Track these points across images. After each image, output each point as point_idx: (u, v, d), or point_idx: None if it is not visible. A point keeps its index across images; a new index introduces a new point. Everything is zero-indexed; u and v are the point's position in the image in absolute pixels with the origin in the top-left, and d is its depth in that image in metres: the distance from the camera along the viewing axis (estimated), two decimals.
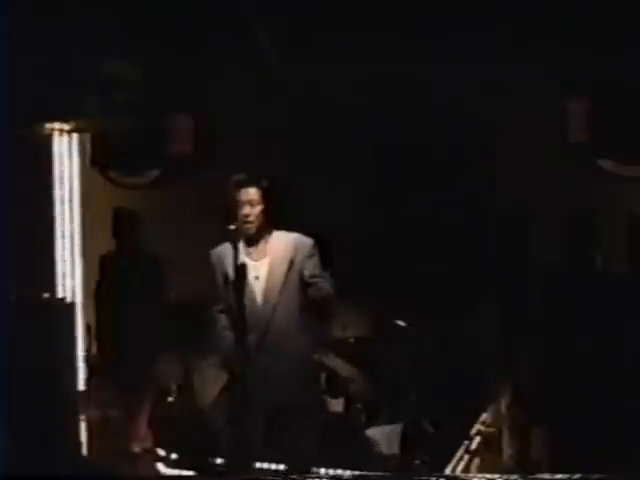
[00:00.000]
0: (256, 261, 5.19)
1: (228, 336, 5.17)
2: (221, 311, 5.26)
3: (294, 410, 5.16)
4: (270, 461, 5.66)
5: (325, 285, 5.21)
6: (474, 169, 7.64)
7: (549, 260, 6.72)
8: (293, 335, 5.19)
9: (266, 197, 5.18)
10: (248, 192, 5.16)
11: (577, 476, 4.73)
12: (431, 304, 7.11)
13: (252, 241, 5.17)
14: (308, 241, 5.27)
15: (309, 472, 5.39)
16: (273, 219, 5.22)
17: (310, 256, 5.22)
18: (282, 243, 5.21)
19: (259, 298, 5.14)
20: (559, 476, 4.85)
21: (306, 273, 5.18)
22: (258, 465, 5.42)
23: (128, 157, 8.16)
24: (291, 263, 5.16)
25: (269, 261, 5.19)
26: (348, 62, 7.35)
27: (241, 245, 5.11)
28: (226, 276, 5.19)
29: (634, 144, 7.15)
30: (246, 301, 5.05)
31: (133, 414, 6.95)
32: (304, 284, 5.19)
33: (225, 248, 5.26)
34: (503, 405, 6.53)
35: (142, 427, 6.96)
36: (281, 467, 5.59)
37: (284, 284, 5.16)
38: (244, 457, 5.23)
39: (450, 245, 7.26)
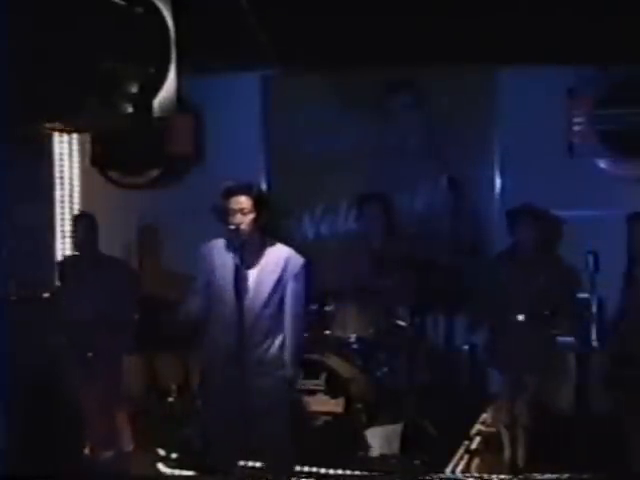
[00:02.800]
0: (247, 269, 5.18)
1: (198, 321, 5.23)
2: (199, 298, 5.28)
3: (271, 413, 5.18)
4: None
5: (298, 315, 5.27)
6: (474, 168, 7.65)
7: (548, 259, 6.71)
8: (267, 345, 5.21)
9: (258, 205, 5.15)
10: (239, 200, 5.13)
11: (577, 476, 4.73)
12: (431, 304, 7.12)
13: (245, 248, 5.15)
14: (298, 261, 5.27)
15: (291, 472, 5.41)
16: (266, 228, 5.21)
17: (296, 275, 5.23)
18: (274, 257, 5.22)
19: (244, 306, 5.12)
20: (558, 476, 4.85)
21: (288, 293, 5.21)
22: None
23: (128, 157, 8.16)
24: (278, 279, 5.19)
25: (258, 272, 5.18)
26: None
27: (240, 253, 5.10)
28: (212, 273, 5.19)
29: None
30: (231, 306, 5.06)
31: (133, 414, 6.94)
32: (282, 302, 5.22)
33: (217, 245, 5.25)
34: (505, 405, 6.53)
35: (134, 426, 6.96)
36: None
37: (269, 297, 5.17)
38: (220, 458, 5.26)
39: (450, 244, 7.26)
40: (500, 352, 6.42)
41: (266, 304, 5.18)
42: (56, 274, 7.35)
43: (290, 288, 5.23)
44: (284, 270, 5.20)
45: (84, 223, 6.85)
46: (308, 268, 5.33)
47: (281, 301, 5.23)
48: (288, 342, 5.25)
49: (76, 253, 7.03)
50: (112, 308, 6.61)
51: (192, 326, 5.48)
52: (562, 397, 6.78)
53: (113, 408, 6.79)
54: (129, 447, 6.83)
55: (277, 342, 5.25)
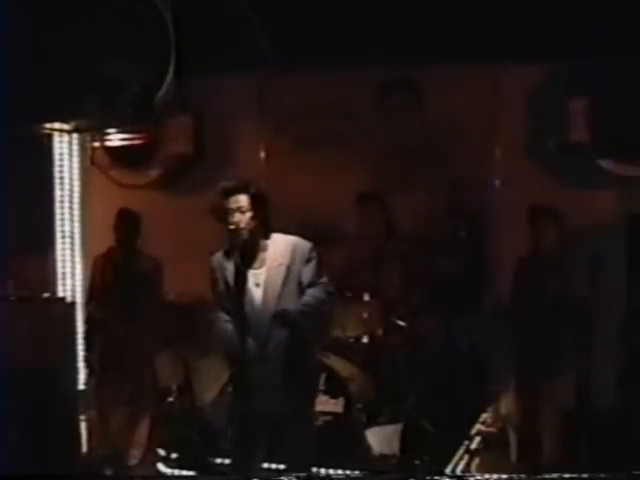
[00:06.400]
0: (256, 268, 5.18)
1: (230, 340, 5.19)
2: (225, 313, 5.26)
3: (292, 414, 5.17)
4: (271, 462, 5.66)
5: (319, 294, 5.23)
6: (474, 168, 7.65)
7: (547, 259, 6.71)
8: (292, 341, 5.20)
9: (256, 203, 5.16)
10: (237, 199, 5.14)
11: (578, 476, 4.73)
12: (431, 304, 7.12)
13: (249, 248, 5.15)
14: (306, 245, 5.25)
15: (308, 473, 5.40)
16: (266, 225, 5.21)
17: (308, 261, 5.21)
18: (279, 249, 5.20)
19: (259, 305, 5.13)
20: (558, 476, 4.85)
21: (303, 280, 5.18)
22: (259, 465, 5.43)
23: (128, 157, 8.17)
24: (288, 269, 5.17)
25: (267, 268, 5.18)
26: None
27: (241, 252, 5.10)
28: (226, 282, 5.19)
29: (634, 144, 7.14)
30: (247, 308, 5.06)
31: (133, 414, 6.94)
32: (302, 290, 5.20)
33: (224, 254, 5.26)
34: (504, 405, 6.53)
35: (143, 427, 6.96)
36: (281, 467, 5.60)
37: (282, 291, 5.16)
38: (244, 458, 5.25)
39: (450, 244, 7.26)
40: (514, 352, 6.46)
41: (281, 298, 5.16)
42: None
43: (305, 274, 5.21)
44: (292, 259, 5.18)
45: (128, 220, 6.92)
46: (317, 250, 5.30)
47: (299, 291, 5.21)
48: (311, 327, 5.23)
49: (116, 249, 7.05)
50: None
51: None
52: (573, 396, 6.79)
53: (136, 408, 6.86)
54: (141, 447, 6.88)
55: (301, 334, 5.22)
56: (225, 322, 5.22)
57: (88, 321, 7.15)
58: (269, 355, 5.11)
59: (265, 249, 5.22)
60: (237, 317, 5.13)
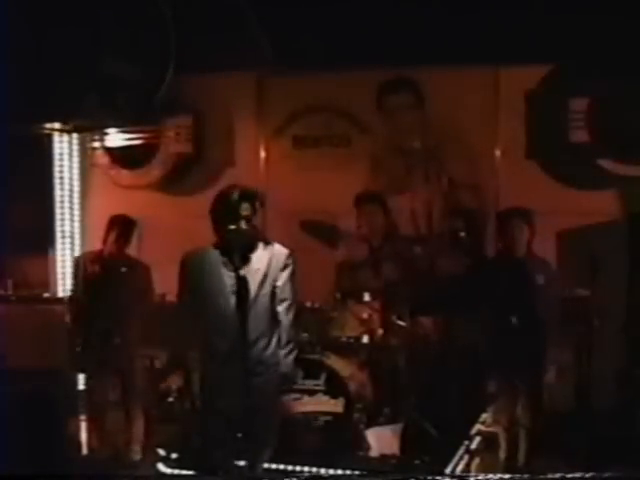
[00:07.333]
0: (238, 269, 5.17)
1: (200, 340, 5.25)
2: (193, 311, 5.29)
3: (259, 414, 5.19)
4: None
5: (289, 307, 5.28)
6: (474, 168, 7.65)
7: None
8: (263, 344, 5.23)
9: (257, 208, 5.18)
10: (246, 207, 5.15)
11: (579, 475, 4.73)
12: (431, 304, 7.12)
13: (247, 251, 5.16)
14: (283, 252, 5.28)
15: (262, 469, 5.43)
16: (259, 229, 5.23)
17: (284, 267, 5.25)
18: (259, 254, 5.22)
19: (236, 306, 5.11)
20: (560, 475, 4.85)
21: (278, 285, 5.23)
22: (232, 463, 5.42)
23: (128, 157, 8.18)
24: (265, 275, 5.20)
25: (246, 271, 5.18)
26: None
27: (241, 255, 5.11)
28: (201, 279, 5.21)
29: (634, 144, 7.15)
30: (224, 307, 5.09)
31: (133, 414, 6.94)
32: (274, 295, 5.24)
33: (204, 251, 5.26)
34: (503, 405, 6.53)
35: (141, 427, 6.95)
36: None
37: (257, 294, 5.18)
38: (215, 456, 5.28)
39: (450, 244, 7.27)
40: (497, 354, 6.42)
41: (256, 302, 5.18)
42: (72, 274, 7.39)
43: (279, 281, 5.25)
44: (269, 265, 5.22)
45: (122, 225, 6.85)
46: (294, 258, 5.32)
47: (273, 297, 5.24)
48: (283, 336, 5.26)
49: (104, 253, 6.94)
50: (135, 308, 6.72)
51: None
52: (559, 398, 6.79)
53: (127, 408, 6.85)
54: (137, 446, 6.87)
55: (274, 340, 5.26)
56: (195, 321, 5.27)
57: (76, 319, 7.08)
58: (239, 355, 5.10)
59: (251, 251, 5.24)
60: (210, 317, 5.19)
